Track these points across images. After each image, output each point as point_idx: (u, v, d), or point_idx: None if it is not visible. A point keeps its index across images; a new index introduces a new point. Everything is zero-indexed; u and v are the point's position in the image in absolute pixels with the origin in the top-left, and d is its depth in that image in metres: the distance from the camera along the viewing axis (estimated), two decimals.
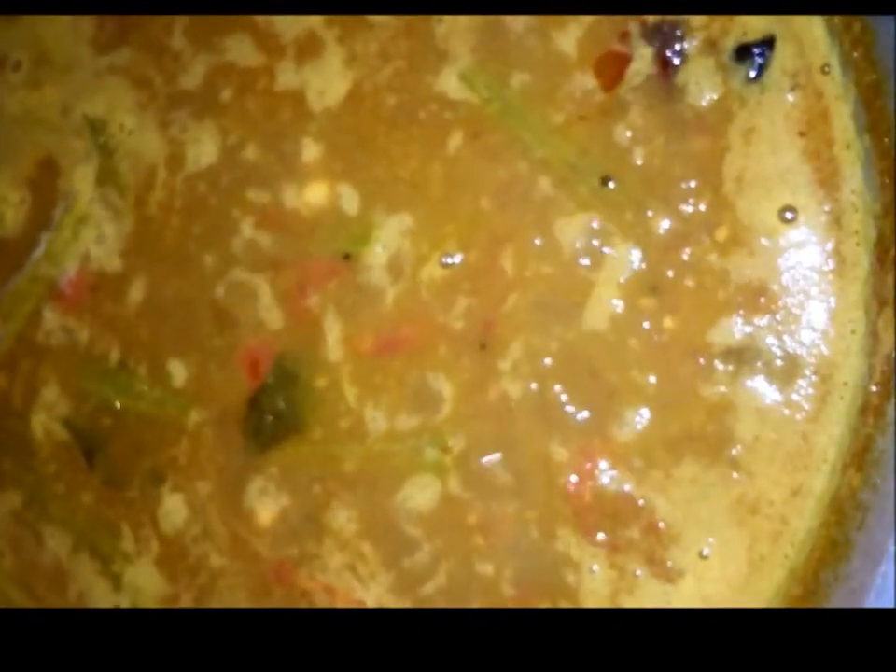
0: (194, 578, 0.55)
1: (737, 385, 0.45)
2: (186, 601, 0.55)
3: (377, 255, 0.51)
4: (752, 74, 0.46)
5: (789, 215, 0.45)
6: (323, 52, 0.53)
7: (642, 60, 0.48)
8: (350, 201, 0.52)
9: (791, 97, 0.45)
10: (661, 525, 0.45)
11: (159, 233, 0.57)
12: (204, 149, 0.55)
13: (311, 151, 0.52)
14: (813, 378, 0.45)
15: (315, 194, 0.52)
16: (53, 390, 0.60)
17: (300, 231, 0.53)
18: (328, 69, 0.53)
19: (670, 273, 0.47)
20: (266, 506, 0.53)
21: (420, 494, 0.50)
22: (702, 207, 0.47)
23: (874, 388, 0.43)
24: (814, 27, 0.45)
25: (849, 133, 0.44)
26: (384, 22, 0.52)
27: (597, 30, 0.49)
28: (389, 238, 0.51)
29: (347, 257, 0.51)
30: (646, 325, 0.47)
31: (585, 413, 0.48)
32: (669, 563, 0.45)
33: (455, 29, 0.50)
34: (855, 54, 0.44)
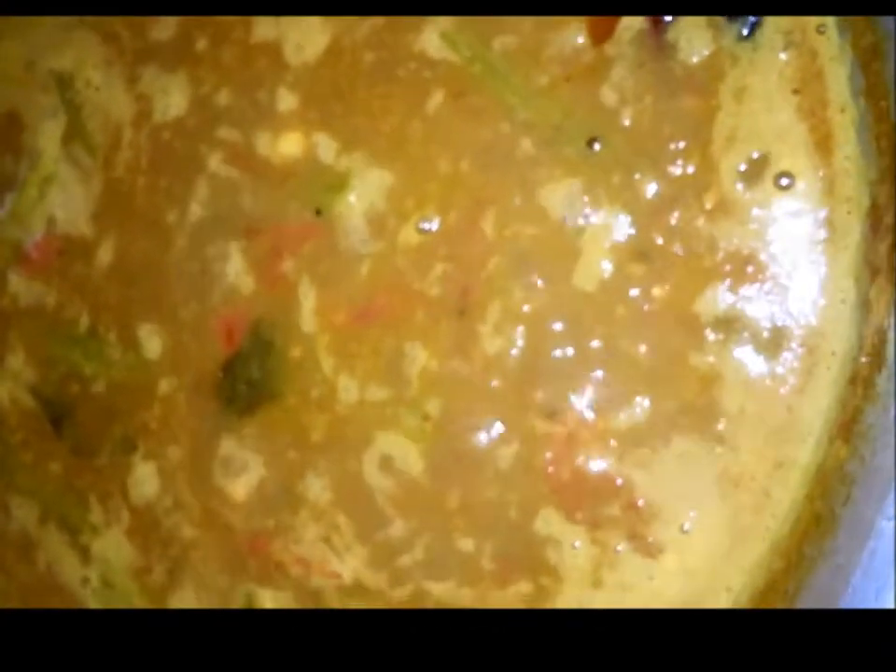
0: (166, 549, 0.54)
1: (726, 356, 0.44)
2: (158, 573, 0.54)
3: (352, 207, 0.49)
4: (745, 31, 0.44)
5: (784, 181, 0.44)
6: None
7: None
8: (327, 149, 0.50)
9: (784, 56, 0.44)
10: (640, 502, 0.45)
11: (127, 194, 0.55)
12: (173, 100, 0.53)
13: (287, 102, 0.51)
14: (800, 348, 0.44)
15: (290, 144, 0.51)
16: (19, 357, 0.58)
17: (272, 178, 0.51)
18: (306, 21, 0.51)
19: (659, 239, 0.46)
20: (240, 476, 0.52)
21: (399, 462, 0.49)
22: (690, 169, 0.45)
23: (863, 359, 0.42)
24: None
25: (844, 95, 0.43)
26: None
27: None
28: (365, 193, 0.49)
29: (319, 212, 0.50)
30: (635, 292, 0.46)
31: (571, 385, 0.47)
32: (650, 539, 0.44)
33: None
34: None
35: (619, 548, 0.45)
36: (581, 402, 0.47)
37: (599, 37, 0.47)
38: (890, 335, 0.40)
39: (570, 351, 0.47)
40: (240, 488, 0.53)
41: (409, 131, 0.49)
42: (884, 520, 0.35)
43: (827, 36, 0.43)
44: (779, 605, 0.42)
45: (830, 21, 0.43)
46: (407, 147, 0.49)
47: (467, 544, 0.48)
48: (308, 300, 0.51)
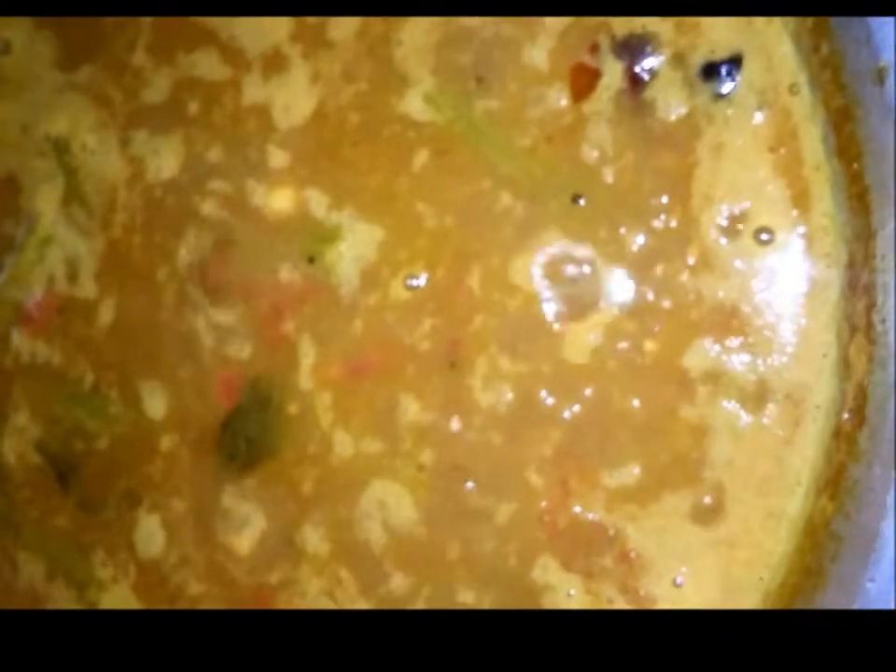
0: (173, 603, 0.55)
1: (714, 408, 0.45)
2: None
3: (344, 261, 0.50)
4: (720, 91, 0.45)
5: (763, 236, 0.45)
6: (289, 68, 0.52)
7: (612, 75, 0.47)
8: (318, 204, 0.51)
9: (759, 115, 0.44)
10: (633, 554, 0.45)
11: (125, 254, 0.56)
12: (165, 162, 0.54)
13: (277, 158, 0.52)
14: (786, 401, 0.44)
15: (282, 199, 0.52)
16: (24, 414, 0.59)
17: (264, 229, 0.52)
18: (294, 85, 0.52)
19: (649, 293, 0.46)
20: (243, 529, 0.53)
21: (397, 515, 0.50)
22: (673, 224, 0.46)
23: (846, 415, 0.42)
24: (782, 46, 0.44)
25: (819, 154, 0.43)
26: (344, 43, 0.51)
27: (567, 41, 0.48)
28: (356, 246, 0.50)
29: (312, 260, 0.51)
30: (626, 346, 0.46)
31: (563, 435, 0.47)
32: (642, 592, 0.45)
33: (413, 52, 0.49)
34: (823, 77, 0.43)
35: (611, 599, 0.45)
36: (574, 453, 0.47)
37: (580, 94, 0.47)
38: (871, 393, 0.40)
39: (562, 403, 0.47)
40: (244, 541, 0.53)
41: (396, 186, 0.50)
42: (868, 581, 0.36)
43: (800, 97, 0.44)
44: None
45: (802, 80, 0.43)
46: (394, 201, 0.50)
47: (467, 596, 0.48)
48: (308, 357, 0.51)
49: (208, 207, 0.53)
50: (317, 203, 0.51)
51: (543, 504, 0.47)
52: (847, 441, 0.42)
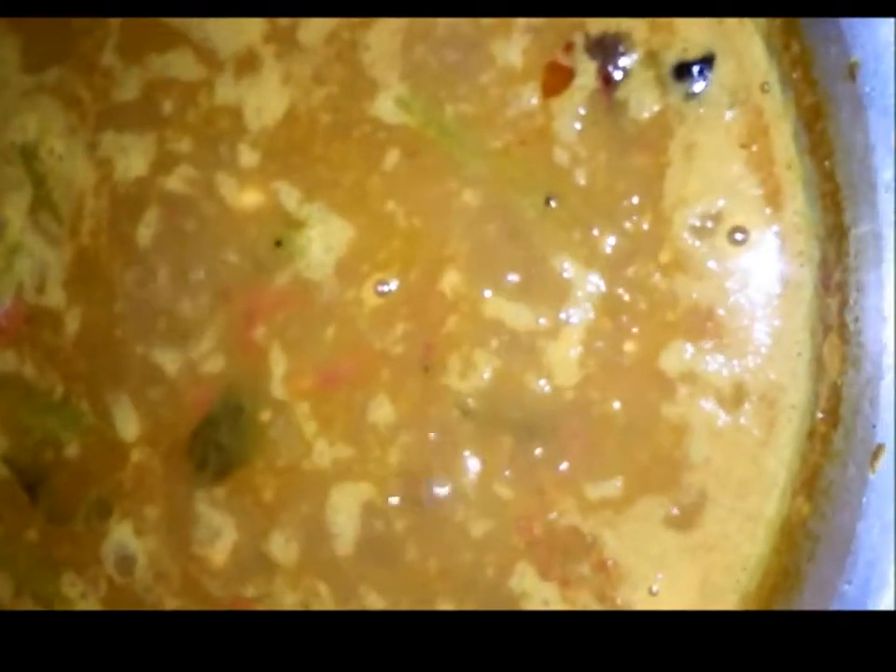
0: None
1: (693, 409, 0.45)
2: None
3: (312, 242, 0.49)
4: (692, 90, 0.45)
5: (738, 235, 0.45)
6: (261, 69, 0.52)
7: (586, 74, 0.47)
8: (288, 196, 0.50)
9: (730, 113, 0.44)
10: (609, 562, 0.45)
11: (93, 261, 0.55)
12: (134, 162, 0.53)
13: (248, 157, 0.51)
14: (761, 402, 0.44)
15: (251, 195, 0.51)
16: None
17: (231, 214, 0.51)
18: (266, 85, 0.52)
19: (624, 295, 0.46)
20: (216, 541, 0.52)
21: (373, 522, 0.49)
22: (645, 225, 0.46)
23: (820, 415, 0.42)
24: (753, 45, 0.44)
25: (790, 152, 0.43)
26: (314, 47, 0.50)
27: (542, 40, 0.48)
28: (325, 235, 0.50)
29: (279, 243, 0.50)
30: (604, 347, 0.46)
31: (541, 442, 0.47)
32: (619, 600, 0.45)
33: (381, 56, 0.49)
34: (794, 75, 0.43)
35: (588, 607, 0.45)
36: (550, 457, 0.47)
37: (552, 93, 0.47)
38: (844, 393, 0.40)
39: (537, 405, 0.47)
40: (217, 554, 0.52)
41: (368, 184, 0.50)
42: (845, 584, 0.35)
43: (771, 95, 0.44)
44: None
45: (773, 78, 0.43)
46: (366, 201, 0.49)
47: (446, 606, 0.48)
48: (279, 366, 0.51)
49: (173, 183, 0.52)
50: (287, 195, 0.51)
51: (521, 510, 0.47)
52: (822, 441, 0.42)
